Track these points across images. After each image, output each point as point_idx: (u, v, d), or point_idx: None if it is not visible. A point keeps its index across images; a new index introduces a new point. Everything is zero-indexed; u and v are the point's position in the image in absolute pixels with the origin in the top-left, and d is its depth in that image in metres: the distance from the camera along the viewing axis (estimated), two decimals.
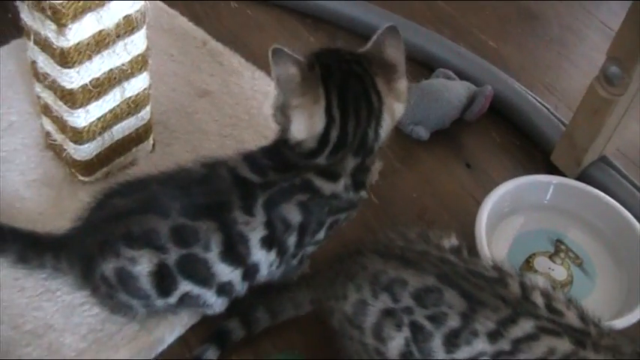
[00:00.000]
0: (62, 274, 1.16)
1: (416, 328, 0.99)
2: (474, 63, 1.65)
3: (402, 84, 1.08)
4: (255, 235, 1.06)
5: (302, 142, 1.05)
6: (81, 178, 1.32)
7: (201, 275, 1.07)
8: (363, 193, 1.11)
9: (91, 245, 1.09)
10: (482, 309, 0.97)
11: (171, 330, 1.17)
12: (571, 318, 0.97)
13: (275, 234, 1.07)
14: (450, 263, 1.04)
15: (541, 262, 1.32)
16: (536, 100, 1.59)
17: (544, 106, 1.58)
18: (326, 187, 1.06)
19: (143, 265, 1.05)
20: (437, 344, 0.98)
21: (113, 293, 1.10)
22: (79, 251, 1.11)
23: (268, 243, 1.07)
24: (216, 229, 1.04)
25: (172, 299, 1.09)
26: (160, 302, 1.10)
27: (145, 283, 1.07)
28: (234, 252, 1.06)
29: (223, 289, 1.10)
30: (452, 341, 0.97)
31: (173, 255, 1.05)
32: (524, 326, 0.95)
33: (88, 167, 1.31)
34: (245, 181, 1.06)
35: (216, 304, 1.12)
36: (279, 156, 1.07)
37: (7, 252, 1.16)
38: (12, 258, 1.16)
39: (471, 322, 0.97)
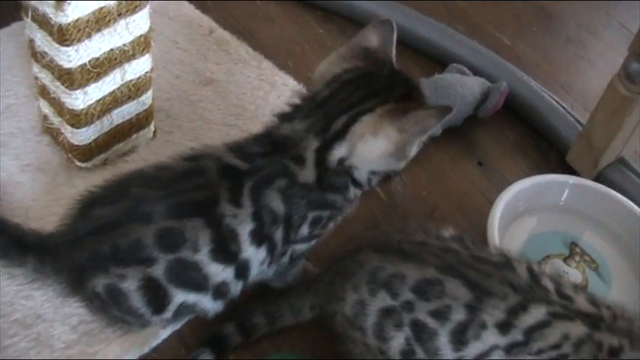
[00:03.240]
0: (44, 277, 1.09)
1: (418, 328, 0.94)
2: (489, 59, 1.60)
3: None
4: (244, 228, 1.00)
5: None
6: (78, 163, 1.28)
7: (194, 280, 1.01)
8: (352, 194, 1.05)
9: (79, 259, 1.02)
10: (489, 298, 0.93)
11: None
12: (581, 303, 0.93)
13: (263, 227, 1.01)
14: (452, 252, 0.99)
15: (555, 265, 1.27)
16: (552, 98, 1.54)
17: (560, 105, 1.53)
18: (298, 173, 1.01)
19: (131, 281, 0.99)
20: (443, 342, 0.94)
21: (107, 308, 1.05)
22: (67, 263, 1.04)
23: (258, 238, 1.01)
24: (204, 226, 0.98)
25: (168, 314, 1.03)
26: (155, 319, 1.04)
27: (137, 301, 1.01)
28: (225, 248, 1.00)
29: (219, 291, 1.04)
30: (459, 338, 0.93)
31: (161, 264, 0.99)
32: (536, 313, 0.91)
33: (86, 153, 1.26)
34: (231, 169, 1.01)
35: (213, 308, 1.06)
36: (270, 139, 1.04)
37: None
38: None
39: (478, 313, 0.92)
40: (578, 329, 0.90)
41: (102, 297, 1.02)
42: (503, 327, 0.91)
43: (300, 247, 1.09)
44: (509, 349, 0.91)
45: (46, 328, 1.09)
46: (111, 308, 1.04)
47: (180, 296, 1.01)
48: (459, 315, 0.92)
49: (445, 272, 0.95)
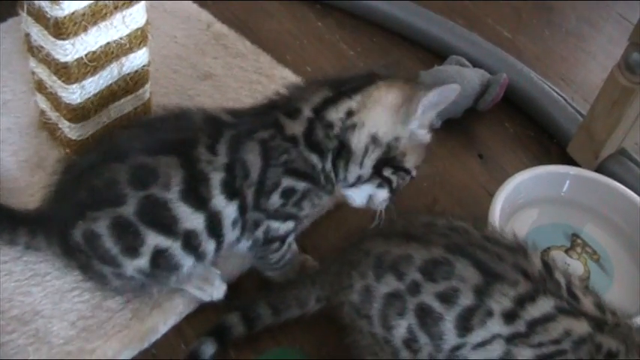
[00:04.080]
0: (36, 250, 1.12)
1: (423, 312, 0.93)
2: (488, 51, 1.59)
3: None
4: (216, 176, 1.01)
5: None
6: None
7: (163, 220, 1.01)
8: (328, 168, 1.06)
9: (62, 213, 1.04)
10: (499, 283, 0.91)
11: (165, 319, 1.12)
12: (587, 305, 0.92)
13: (235, 180, 1.02)
14: (461, 231, 0.98)
15: (556, 257, 1.26)
16: (552, 90, 1.53)
17: (561, 97, 1.52)
18: (288, 124, 1.04)
19: (103, 221, 1.01)
20: (448, 327, 0.93)
21: (88, 261, 1.06)
22: (53, 222, 1.06)
23: (229, 190, 1.02)
24: (178, 165, 1.00)
25: (142, 260, 1.03)
26: (129, 267, 1.04)
27: (109, 242, 1.02)
28: (195, 192, 1.01)
29: (190, 242, 1.03)
30: (464, 324, 0.92)
31: (132, 202, 1.00)
32: (543, 306, 0.90)
33: (84, 148, 1.25)
34: (216, 120, 1.05)
35: (188, 265, 1.05)
36: (269, 101, 1.08)
37: None
38: None
39: (486, 298, 0.91)
40: (581, 327, 0.89)
41: (81, 247, 1.04)
42: (509, 317, 0.90)
43: (275, 226, 1.08)
44: (511, 339, 0.91)
45: (44, 325, 1.09)
46: (91, 260, 1.05)
47: (151, 238, 1.01)
48: (466, 300, 0.91)
49: (454, 252, 0.94)
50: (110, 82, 1.21)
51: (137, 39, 1.19)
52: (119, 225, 1.01)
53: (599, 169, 1.40)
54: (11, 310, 1.10)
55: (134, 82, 1.24)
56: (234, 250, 1.10)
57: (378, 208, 1.10)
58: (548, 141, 1.50)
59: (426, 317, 0.93)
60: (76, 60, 1.13)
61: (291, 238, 1.12)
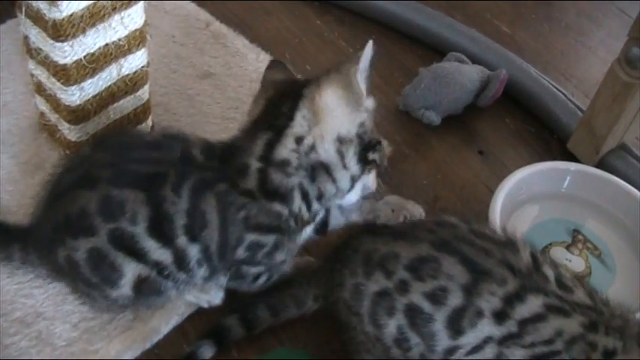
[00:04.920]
0: (31, 267, 1.11)
1: (413, 312, 0.93)
2: (488, 47, 1.59)
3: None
4: (179, 219, 0.98)
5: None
6: None
7: (134, 249, 0.99)
8: (296, 206, 1.02)
9: (45, 234, 1.04)
10: (486, 281, 0.91)
11: (167, 320, 1.12)
12: (579, 296, 0.92)
13: (194, 227, 0.99)
14: (448, 226, 0.97)
15: (558, 253, 1.26)
16: (552, 85, 1.53)
17: (561, 92, 1.51)
18: (240, 180, 1.00)
19: (81, 252, 1.00)
20: (439, 328, 0.92)
21: (74, 283, 1.06)
22: (39, 242, 1.05)
23: (190, 234, 0.99)
24: (144, 202, 0.97)
25: (123, 289, 1.02)
26: (114, 293, 1.03)
27: (88, 272, 1.01)
28: (160, 229, 0.98)
29: (161, 271, 1.01)
30: (455, 325, 0.91)
31: (103, 233, 0.98)
32: (533, 304, 0.90)
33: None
34: (189, 159, 1.01)
35: (174, 291, 1.05)
36: (232, 150, 1.03)
37: None
38: None
39: (475, 298, 0.90)
40: (572, 327, 0.89)
41: (65, 271, 1.03)
42: (499, 316, 0.90)
43: (251, 271, 1.06)
44: (503, 341, 0.90)
45: (46, 326, 1.09)
46: (76, 283, 1.05)
47: (130, 267, 1.00)
48: (455, 299, 0.91)
49: (440, 249, 0.93)
50: (109, 83, 1.20)
51: (136, 40, 1.19)
52: (96, 256, 0.99)
53: (600, 164, 1.40)
54: (14, 312, 1.10)
55: (133, 83, 1.24)
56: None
57: (371, 190, 1.07)
58: (548, 137, 1.50)
59: (416, 318, 0.93)
60: (75, 62, 1.13)
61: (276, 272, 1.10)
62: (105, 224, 0.98)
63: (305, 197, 1.02)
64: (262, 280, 1.09)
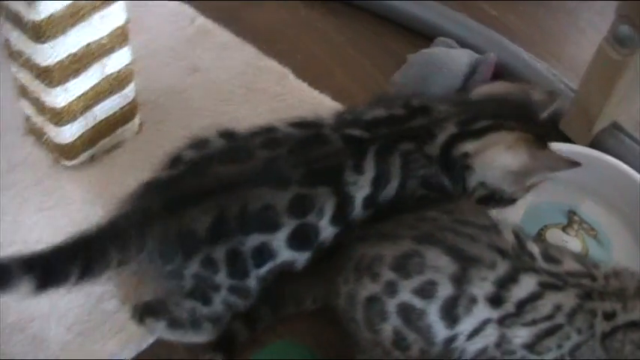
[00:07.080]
0: (129, 263, 1.00)
1: (406, 311, 0.92)
2: (476, 31, 1.58)
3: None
4: (360, 194, 1.02)
5: None
6: (64, 162, 1.26)
7: (306, 242, 1.02)
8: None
9: (192, 224, 0.97)
10: (475, 267, 0.90)
11: None
12: (569, 264, 0.91)
13: (378, 192, 1.03)
14: (428, 220, 0.97)
15: (554, 235, 1.25)
16: (543, 67, 1.51)
17: (552, 73, 1.50)
18: (425, 143, 1.05)
19: (249, 245, 0.98)
20: (434, 320, 0.91)
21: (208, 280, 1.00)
22: (164, 226, 0.97)
23: (367, 203, 1.03)
24: (331, 194, 1.01)
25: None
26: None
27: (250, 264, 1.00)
28: (340, 213, 1.02)
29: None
30: (449, 314, 0.91)
31: (285, 230, 0.99)
32: (527, 284, 0.90)
33: (71, 150, 1.25)
34: (353, 139, 1.04)
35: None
36: (405, 104, 1.09)
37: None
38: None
39: (466, 286, 0.90)
40: (569, 300, 0.89)
41: (216, 264, 0.98)
42: (494, 301, 0.89)
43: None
44: (502, 320, 0.90)
45: (41, 330, 1.08)
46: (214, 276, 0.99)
47: (283, 254, 1.01)
48: (446, 290, 0.90)
49: (422, 242, 0.93)
50: (94, 83, 1.20)
51: (118, 38, 1.18)
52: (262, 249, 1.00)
53: (593, 144, 1.38)
54: (7, 317, 1.09)
55: (118, 81, 1.23)
56: None
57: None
58: None
59: (409, 315, 0.92)
60: (58, 63, 1.12)
61: None
62: (292, 221, 0.99)
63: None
64: None
